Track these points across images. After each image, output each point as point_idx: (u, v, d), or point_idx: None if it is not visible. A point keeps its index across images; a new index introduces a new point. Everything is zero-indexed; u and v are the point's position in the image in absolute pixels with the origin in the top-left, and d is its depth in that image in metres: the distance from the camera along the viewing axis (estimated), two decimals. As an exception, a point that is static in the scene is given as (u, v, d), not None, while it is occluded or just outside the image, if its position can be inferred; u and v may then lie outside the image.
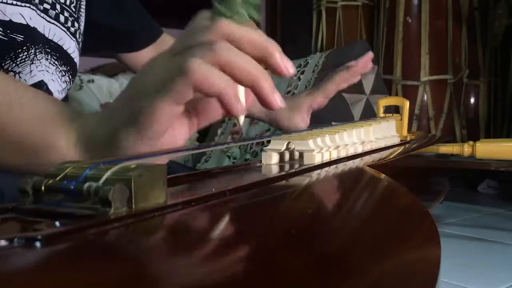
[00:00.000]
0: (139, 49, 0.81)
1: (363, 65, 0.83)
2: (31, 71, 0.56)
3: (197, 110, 0.38)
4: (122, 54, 0.83)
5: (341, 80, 0.82)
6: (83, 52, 0.73)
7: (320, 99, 0.81)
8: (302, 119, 0.83)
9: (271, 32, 2.55)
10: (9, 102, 0.41)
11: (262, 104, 0.35)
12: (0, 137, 0.41)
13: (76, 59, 0.64)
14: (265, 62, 0.35)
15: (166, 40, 0.84)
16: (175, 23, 0.87)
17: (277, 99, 0.34)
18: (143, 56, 0.82)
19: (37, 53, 0.56)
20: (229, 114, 0.35)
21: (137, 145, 0.36)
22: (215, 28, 0.34)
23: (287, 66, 0.35)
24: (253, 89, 0.34)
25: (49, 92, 0.60)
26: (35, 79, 0.57)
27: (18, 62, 0.54)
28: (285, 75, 0.35)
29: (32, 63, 0.55)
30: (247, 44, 0.34)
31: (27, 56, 0.55)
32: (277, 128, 0.88)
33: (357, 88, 1.38)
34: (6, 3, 0.52)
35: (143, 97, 0.35)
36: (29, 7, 0.54)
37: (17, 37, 0.53)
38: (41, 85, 0.58)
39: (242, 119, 0.37)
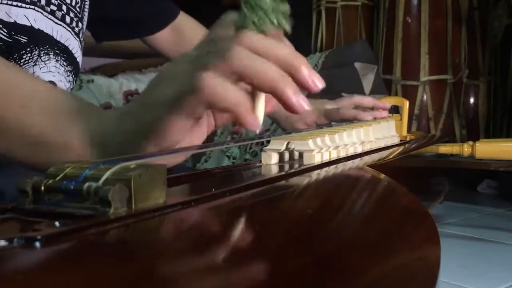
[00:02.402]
0: (154, 32, 0.83)
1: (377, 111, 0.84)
2: (34, 72, 0.56)
3: (214, 112, 0.39)
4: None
5: (347, 115, 0.84)
6: (98, 40, 0.74)
7: (323, 120, 0.86)
8: (304, 126, 0.87)
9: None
10: (25, 96, 0.41)
11: (286, 109, 0.33)
12: (17, 132, 0.40)
13: (79, 58, 0.64)
14: (291, 77, 0.33)
15: (184, 22, 0.85)
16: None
17: (300, 103, 0.32)
18: (161, 37, 0.83)
19: (41, 55, 0.56)
20: (243, 126, 0.33)
21: (153, 149, 0.36)
22: (237, 41, 0.33)
23: (315, 81, 0.33)
24: (274, 95, 0.33)
25: None
26: None
27: (21, 64, 0.54)
28: (313, 91, 0.34)
29: (36, 64, 0.56)
30: (272, 59, 0.33)
31: (31, 57, 0.55)
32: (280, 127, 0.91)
33: (357, 88, 1.39)
34: (11, 5, 0.52)
35: (159, 106, 0.36)
36: (34, 9, 0.54)
37: (21, 39, 0.53)
38: None
39: (260, 123, 0.35)
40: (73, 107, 0.41)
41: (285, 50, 0.34)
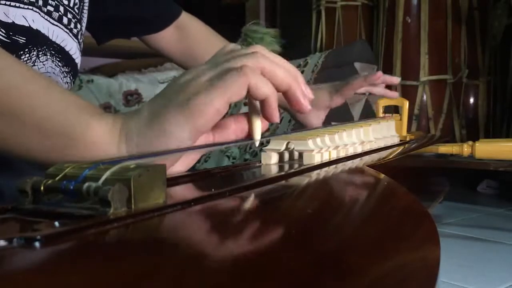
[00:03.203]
0: (157, 31, 0.83)
1: (382, 79, 0.88)
2: None
3: (213, 132, 0.41)
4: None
5: (358, 86, 0.85)
6: (100, 41, 0.74)
7: (338, 99, 0.86)
8: (318, 116, 0.86)
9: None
10: (39, 89, 0.40)
11: (293, 108, 0.41)
12: (31, 124, 0.39)
13: (77, 60, 0.64)
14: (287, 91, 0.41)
15: (188, 21, 0.85)
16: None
17: (307, 105, 0.41)
18: (164, 37, 0.83)
19: (40, 55, 0.56)
20: (268, 120, 0.41)
21: (184, 135, 0.37)
22: (255, 50, 0.40)
23: (309, 93, 0.41)
24: (287, 94, 0.40)
25: None
26: None
27: None
28: (302, 111, 0.41)
29: (34, 65, 0.55)
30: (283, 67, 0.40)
31: (29, 58, 0.55)
32: (293, 119, 0.92)
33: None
34: (10, 5, 0.52)
35: (194, 92, 0.37)
36: (32, 9, 0.54)
37: (19, 39, 0.53)
38: None
39: (257, 143, 0.42)
40: (87, 102, 0.42)
41: (288, 63, 0.41)
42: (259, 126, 0.42)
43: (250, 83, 0.37)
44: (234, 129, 0.41)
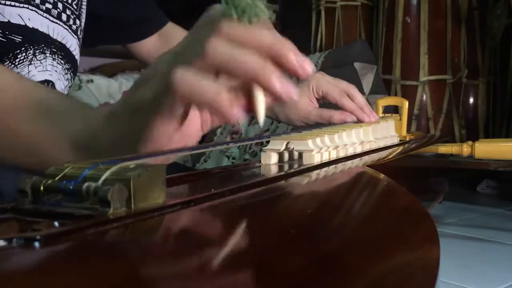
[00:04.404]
0: (140, 39, 0.82)
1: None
2: (29, 71, 0.56)
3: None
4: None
5: (337, 120, 0.73)
6: (83, 46, 0.73)
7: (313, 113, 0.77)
8: (297, 114, 0.78)
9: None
10: (13, 98, 0.41)
11: (273, 99, 0.31)
12: (6, 135, 0.40)
13: (77, 56, 0.64)
14: (278, 64, 0.31)
15: (172, 30, 0.84)
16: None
17: (287, 89, 0.30)
18: (146, 45, 0.83)
19: (37, 54, 0.56)
20: (226, 120, 0.31)
21: (144, 150, 0.35)
22: (216, 31, 0.31)
23: (304, 65, 0.31)
24: (259, 84, 0.31)
25: None
26: (35, 79, 0.56)
27: (16, 63, 0.54)
28: (303, 76, 0.32)
29: (31, 63, 0.55)
30: (254, 47, 0.31)
31: (26, 57, 0.55)
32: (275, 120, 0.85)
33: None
34: (5, 4, 0.52)
35: (141, 109, 0.34)
36: (28, 7, 0.54)
37: (15, 38, 0.53)
38: (45, 84, 0.58)
39: (261, 120, 0.33)
40: (61, 107, 0.41)
41: (268, 36, 0.31)
42: (262, 99, 0.32)
43: (185, 97, 0.31)
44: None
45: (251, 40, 0.31)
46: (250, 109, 0.33)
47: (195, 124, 0.35)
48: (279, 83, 0.30)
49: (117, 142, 0.36)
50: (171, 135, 0.34)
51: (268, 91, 0.31)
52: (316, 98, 0.77)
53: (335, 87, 0.74)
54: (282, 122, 0.84)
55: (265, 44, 0.31)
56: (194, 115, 0.35)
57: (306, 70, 0.31)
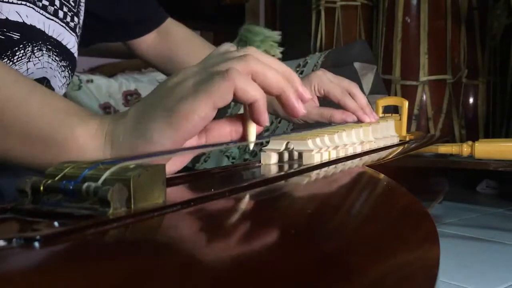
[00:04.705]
0: (139, 36, 0.81)
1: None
2: (28, 69, 0.56)
3: (207, 132, 0.40)
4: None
5: (337, 119, 0.73)
6: (82, 45, 0.73)
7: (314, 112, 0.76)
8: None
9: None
10: (24, 94, 0.41)
11: (287, 112, 0.40)
12: (16, 127, 0.40)
13: (76, 53, 0.64)
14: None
15: (171, 25, 0.84)
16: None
17: (301, 107, 0.40)
18: (145, 41, 0.82)
19: (35, 51, 0.56)
20: (257, 124, 0.39)
21: (168, 143, 0.36)
22: (246, 52, 0.38)
23: (306, 94, 0.41)
24: (280, 98, 0.39)
25: (51, 88, 0.60)
26: (33, 77, 0.56)
27: (15, 60, 0.54)
28: (304, 102, 0.40)
29: (29, 61, 0.55)
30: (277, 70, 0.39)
31: (24, 54, 0.55)
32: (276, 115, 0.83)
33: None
34: (2, 1, 0.52)
35: (180, 97, 0.36)
36: (26, 4, 0.54)
37: (13, 35, 0.53)
38: (42, 82, 0.58)
39: (252, 146, 0.41)
40: (70, 104, 0.41)
41: (284, 65, 0.40)
42: (253, 128, 0.41)
43: (236, 87, 0.36)
44: (229, 131, 0.41)
45: (272, 63, 0.39)
46: (243, 135, 0.41)
47: (192, 144, 0.40)
48: (297, 100, 0.39)
49: (145, 133, 0.37)
50: (205, 123, 0.37)
51: (287, 104, 0.39)
52: (318, 97, 0.76)
53: (337, 85, 0.73)
54: (281, 118, 0.83)
55: (283, 70, 0.40)
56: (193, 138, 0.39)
57: (307, 97, 0.41)
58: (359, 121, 0.69)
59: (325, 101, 0.76)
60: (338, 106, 0.72)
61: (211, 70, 0.37)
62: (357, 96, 0.72)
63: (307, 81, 0.74)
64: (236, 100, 0.37)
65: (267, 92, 0.38)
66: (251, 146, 0.42)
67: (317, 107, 0.76)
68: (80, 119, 0.40)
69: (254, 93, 0.36)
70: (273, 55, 0.39)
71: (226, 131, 0.41)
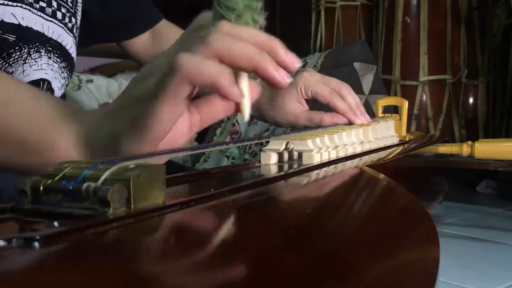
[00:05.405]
0: (132, 37, 0.81)
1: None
2: (24, 70, 0.55)
3: (199, 110, 0.38)
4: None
5: (328, 122, 0.70)
6: (78, 46, 0.72)
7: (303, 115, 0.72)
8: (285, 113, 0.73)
9: (269, 32, 2.55)
10: (8, 101, 0.41)
11: (270, 85, 0.35)
12: (1, 133, 0.40)
13: (74, 54, 0.64)
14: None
15: (165, 27, 0.83)
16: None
17: (283, 76, 0.35)
18: (138, 42, 0.82)
19: (31, 52, 0.56)
20: (230, 99, 0.35)
21: (140, 147, 0.35)
22: (217, 28, 0.34)
23: (293, 60, 0.36)
24: (257, 72, 0.35)
25: (51, 89, 0.60)
26: (29, 78, 0.56)
27: (11, 62, 0.54)
28: (292, 70, 0.36)
29: (25, 62, 0.55)
30: (250, 43, 0.34)
31: (20, 56, 0.54)
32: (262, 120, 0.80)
33: (355, 88, 1.38)
34: None
35: (143, 101, 0.35)
36: (21, 6, 0.54)
37: (9, 37, 0.53)
38: (40, 83, 0.58)
39: (247, 117, 0.37)
40: (57, 108, 0.41)
41: (262, 35, 0.35)
42: (246, 99, 0.37)
43: (188, 77, 0.33)
44: (222, 105, 0.37)
45: (247, 36, 0.34)
46: (236, 108, 0.37)
47: (184, 124, 0.37)
48: (276, 69, 0.34)
49: (118, 137, 0.36)
50: (174, 120, 0.35)
51: (266, 77, 0.34)
52: (306, 99, 0.72)
53: (325, 86, 0.69)
54: (269, 123, 0.79)
55: (260, 40, 0.35)
56: (183, 116, 0.36)
57: (293, 64, 0.36)
58: (350, 123, 0.66)
59: (315, 104, 0.73)
60: (328, 107, 0.69)
61: (164, 62, 0.35)
62: (346, 97, 0.68)
63: (293, 83, 0.70)
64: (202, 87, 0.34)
65: (238, 68, 0.35)
66: (246, 118, 0.37)
67: (306, 110, 0.72)
68: (63, 127, 0.40)
69: (208, 74, 0.32)
70: (258, 26, 0.36)
71: (219, 106, 0.38)
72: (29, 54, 0.55)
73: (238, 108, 0.37)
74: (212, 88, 0.33)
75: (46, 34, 0.57)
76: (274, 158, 0.46)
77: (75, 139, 0.39)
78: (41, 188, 0.26)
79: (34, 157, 0.40)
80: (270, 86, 0.35)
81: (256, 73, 0.35)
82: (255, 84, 0.36)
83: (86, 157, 0.39)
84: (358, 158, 0.51)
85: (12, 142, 0.40)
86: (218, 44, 0.33)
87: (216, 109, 0.38)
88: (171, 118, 0.34)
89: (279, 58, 0.35)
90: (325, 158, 0.47)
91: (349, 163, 0.48)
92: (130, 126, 0.36)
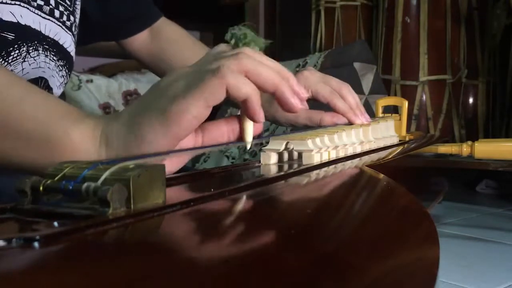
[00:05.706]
0: (130, 35, 0.81)
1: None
2: (23, 69, 0.55)
3: (203, 133, 0.40)
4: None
5: (328, 122, 0.69)
6: (76, 45, 0.72)
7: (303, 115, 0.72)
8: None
9: (269, 32, 2.55)
10: (18, 96, 0.41)
11: (284, 108, 0.40)
12: (12, 126, 0.40)
13: (72, 52, 0.64)
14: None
15: (164, 24, 0.83)
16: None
17: (297, 102, 0.40)
18: (136, 40, 0.82)
19: (30, 51, 0.56)
20: (252, 120, 0.39)
21: (164, 142, 0.36)
22: (241, 51, 0.38)
23: (302, 90, 0.40)
24: (275, 94, 0.39)
25: (49, 88, 0.60)
26: (29, 76, 0.56)
27: (10, 61, 0.54)
28: (300, 99, 0.40)
29: (24, 60, 0.55)
30: (271, 68, 0.39)
31: (19, 54, 0.54)
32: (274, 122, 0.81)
33: (355, 88, 1.38)
34: None
35: (173, 97, 0.36)
36: (20, 4, 0.54)
37: (8, 36, 0.53)
38: (39, 81, 0.58)
39: (249, 146, 0.41)
40: (67, 106, 0.41)
41: (277, 63, 0.40)
42: (250, 127, 0.41)
43: (228, 84, 0.35)
44: (226, 131, 0.41)
45: (270, 63, 0.39)
46: (239, 135, 0.41)
47: (188, 144, 0.39)
48: (292, 95, 0.39)
49: (138, 133, 0.37)
50: (199, 122, 0.37)
51: (283, 100, 0.39)
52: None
53: (326, 85, 0.69)
54: (280, 124, 0.81)
55: (279, 68, 0.40)
56: (189, 136, 0.39)
57: (304, 94, 0.41)
58: (350, 123, 0.65)
59: (315, 104, 0.72)
60: (327, 107, 0.69)
61: (202, 69, 0.37)
62: (346, 97, 0.68)
63: None
64: (229, 98, 0.37)
65: (261, 89, 0.38)
66: (248, 146, 0.41)
67: (306, 109, 0.71)
68: (75, 120, 0.40)
69: (246, 90, 0.36)
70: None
71: (223, 131, 0.41)
72: (28, 52, 0.55)
73: (241, 136, 0.41)
74: (243, 103, 0.37)
75: (43, 32, 0.57)
76: (274, 158, 0.46)
77: (90, 132, 0.39)
78: (41, 188, 0.26)
79: (45, 150, 0.40)
80: (283, 109, 0.40)
81: (274, 95, 0.39)
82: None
83: (101, 151, 0.39)
84: (358, 158, 0.51)
85: (21, 137, 0.40)
86: (249, 64, 0.37)
87: (220, 134, 0.40)
88: (199, 116, 0.36)
89: (291, 86, 0.40)
90: (325, 158, 0.47)
91: (349, 163, 0.48)
92: (155, 121, 0.36)
